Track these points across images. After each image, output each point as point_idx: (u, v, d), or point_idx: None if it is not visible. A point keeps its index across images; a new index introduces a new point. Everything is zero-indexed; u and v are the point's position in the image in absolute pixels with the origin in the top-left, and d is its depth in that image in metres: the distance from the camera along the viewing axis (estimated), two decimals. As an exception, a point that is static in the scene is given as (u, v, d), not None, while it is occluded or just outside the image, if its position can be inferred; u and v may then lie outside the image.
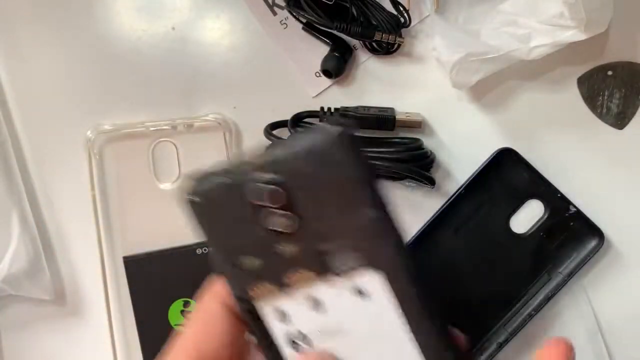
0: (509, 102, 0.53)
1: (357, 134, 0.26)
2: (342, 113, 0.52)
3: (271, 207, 0.26)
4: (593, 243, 0.51)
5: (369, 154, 0.49)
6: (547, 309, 0.51)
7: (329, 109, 0.52)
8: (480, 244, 0.52)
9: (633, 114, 0.52)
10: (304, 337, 0.29)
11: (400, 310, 0.27)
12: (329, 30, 0.52)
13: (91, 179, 0.54)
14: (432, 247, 0.52)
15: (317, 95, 0.54)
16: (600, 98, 0.52)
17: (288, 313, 0.28)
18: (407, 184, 0.52)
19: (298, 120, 0.52)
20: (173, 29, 0.54)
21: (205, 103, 0.54)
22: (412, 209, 0.53)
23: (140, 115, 0.54)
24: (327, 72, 0.53)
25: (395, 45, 0.52)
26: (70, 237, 0.55)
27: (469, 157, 0.52)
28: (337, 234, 0.26)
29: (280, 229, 0.26)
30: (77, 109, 0.55)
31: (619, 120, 0.52)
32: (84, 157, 0.53)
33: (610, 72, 0.52)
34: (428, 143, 0.52)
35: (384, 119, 0.52)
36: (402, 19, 0.51)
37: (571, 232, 0.51)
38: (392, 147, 0.51)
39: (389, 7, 0.52)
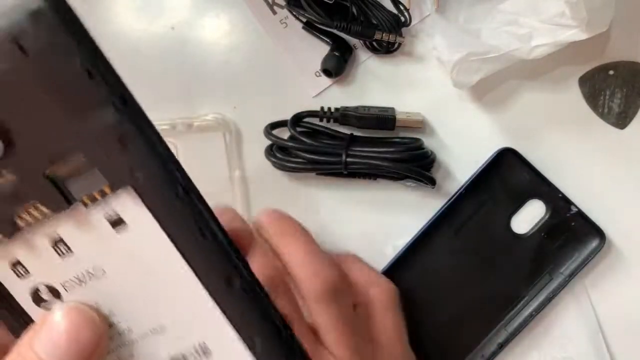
0: (509, 101, 0.53)
1: (61, 2, 0.19)
2: (343, 112, 0.52)
3: None
4: (594, 243, 0.51)
5: (369, 154, 0.49)
6: (548, 310, 0.51)
7: (329, 108, 0.52)
8: (481, 244, 0.52)
9: (635, 113, 0.52)
10: (53, 291, 0.23)
11: (165, 234, 0.21)
12: (329, 29, 0.52)
13: (91, 178, 0.53)
14: (433, 247, 0.52)
15: (317, 95, 0.53)
16: (602, 98, 0.52)
17: (25, 264, 0.22)
18: (407, 184, 0.52)
19: (298, 120, 0.52)
20: (172, 28, 0.54)
21: (205, 103, 0.54)
22: (413, 210, 0.53)
23: (139, 115, 0.54)
24: (327, 72, 0.52)
25: (396, 45, 0.52)
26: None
27: (469, 157, 0.52)
28: (66, 149, 0.20)
29: None
30: (76, 108, 0.54)
31: (621, 120, 0.52)
32: (84, 157, 0.53)
33: (611, 72, 0.52)
34: (428, 143, 0.52)
35: (384, 119, 0.51)
36: (402, 18, 0.51)
37: (572, 232, 0.51)
38: (392, 147, 0.50)
39: (390, 6, 0.51)
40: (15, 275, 0.22)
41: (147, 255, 0.22)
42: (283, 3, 0.52)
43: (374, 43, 0.52)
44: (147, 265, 0.22)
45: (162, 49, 0.54)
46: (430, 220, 0.52)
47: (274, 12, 0.53)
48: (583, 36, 0.46)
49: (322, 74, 0.53)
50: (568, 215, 0.51)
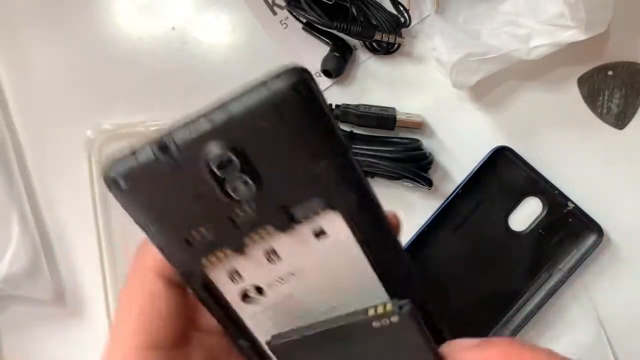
0: (509, 102, 0.53)
1: (310, 77, 0.23)
2: (343, 110, 0.52)
3: (225, 176, 0.24)
4: (592, 239, 0.51)
5: (367, 152, 0.50)
6: (549, 306, 0.52)
7: (330, 105, 0.52)
8: (479, 243, 0.52)
9: (633, 114, 0.52)
10: (258, 289, 0.27)
11: (357, 242, 0.26)
12: (329, 30, 0.52)
13: (91, 178, 0.53)
14: (432, 247, 0.52)
15: (317, 95, 0.54)
16: (601, 98, 0.52)
17: (241, 271, 0.27)
18: (404, 183, 0.52)
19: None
20: (173, 29, 0.54)
21: (205, 103, 0.54)
22: (411, 210, 0.53)
23: (140, 115, 0.54)
24: (327, 72, 0.53)
25: (395, 45, 0.52)
26: (69, 237, 0.55)
27: (468, 158, 0.52)
28: (299, 186, 0.25)
29: (237, 196, 0.24)
30: (77, 108, 0.55)
31: (620, 120, 0.52)
32: (84, 156, 0.53)
33: (610, 72, 0.52)
34: (428, 144, 0.53)
35: (384, 118, 0.52)
36: (402, 19, 0.51)
37: (570, 229, 0.52)
38: (390, 147, 0.51)
39: (389, 7, 0.52)
40: (230, 282, 0.27)
41: (339, 256, 0.26)
42: (283, 4, 0.52)
43: (374, 44, 0.53)
44: (337, 264, 0.27)
45: (163, 49, 0.54)
46: (428, 219, 0.52)
47: (274, 13, 0.54)
48: (582, 37, 0.46)
49: (322, 74, 0.53)
50: (565, 211, 0.51)
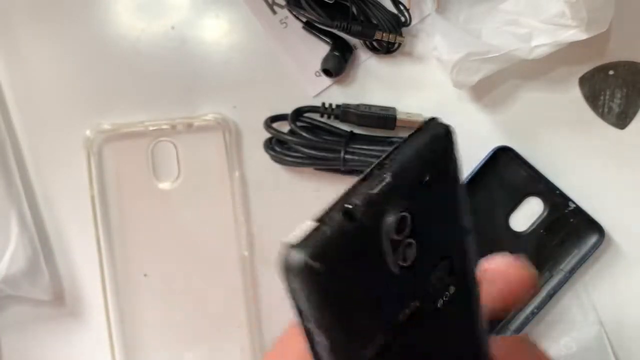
0: (510, 101, 0.53)
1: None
2: (344, 110, 0.52)
3: (399, 239, 0.20)
4: (593, 239, 0.51)
5: (367, 152, 0.50)
6: (549, 307, 0.51)
7: (330, 104, 0.52)
8: (480, 243, 0.52)
9: (635, 113, 0.52)
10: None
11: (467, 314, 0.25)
12: (329, 29, 0.52)
13: (90, 178, 0.53)
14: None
15: (317, 95, 0.54)
16: (602, 98, 0.52)
17: None
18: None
19: (299, 115, 0.52)
20: (172, 28, 0.54)
21: (204, 102, 0.54)
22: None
23: (139, 114, 0.54)
24: (327, 72, 0.53)
25: (396, 45, 0.52)
26: (69, 237, 0.55)
27: (469, 158, 0.52)
28: (440, 257, 0.23)
29: (404, 264, 0.21)
30: (76, 108, 0.55)
31: (621, 120, 0.52)
32: (83, 156, 0.53)
33: (611, 72, 0.52)
34: (428, 143, 0.52)
35: (384, 118, 0.52)
36: (402, 18, 0.51)
37: (571, 229, 0.51)
38: (391, 147, 0.50)
39: (390, 6, 0.51)
40: None
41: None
42: (283, 3, 0.52)
43: (374, 43, 0.52)
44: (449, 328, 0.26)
45: (162, 49, 0.54)
46: (429, 219, 0.52)
47: (274, 12, 0.53)
48: (583, 36, 0.46)
49: (322, 73, 0.53)
50: (566, 211, 0.51)
